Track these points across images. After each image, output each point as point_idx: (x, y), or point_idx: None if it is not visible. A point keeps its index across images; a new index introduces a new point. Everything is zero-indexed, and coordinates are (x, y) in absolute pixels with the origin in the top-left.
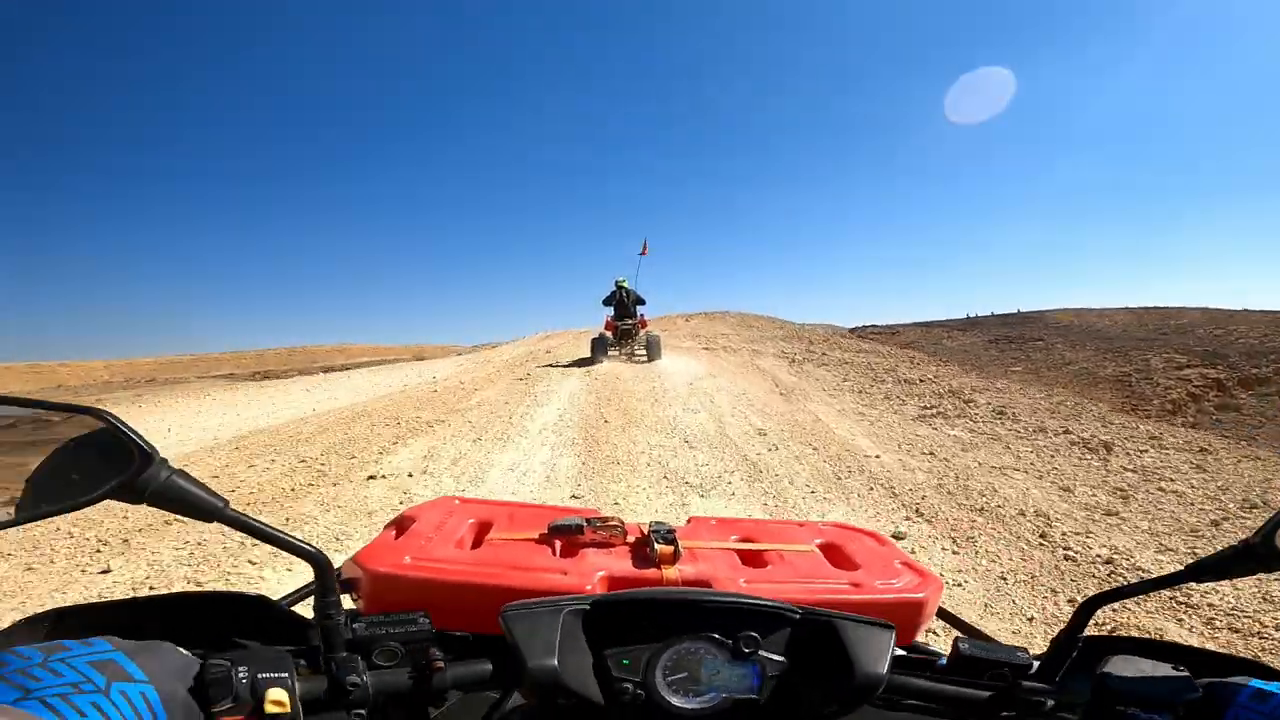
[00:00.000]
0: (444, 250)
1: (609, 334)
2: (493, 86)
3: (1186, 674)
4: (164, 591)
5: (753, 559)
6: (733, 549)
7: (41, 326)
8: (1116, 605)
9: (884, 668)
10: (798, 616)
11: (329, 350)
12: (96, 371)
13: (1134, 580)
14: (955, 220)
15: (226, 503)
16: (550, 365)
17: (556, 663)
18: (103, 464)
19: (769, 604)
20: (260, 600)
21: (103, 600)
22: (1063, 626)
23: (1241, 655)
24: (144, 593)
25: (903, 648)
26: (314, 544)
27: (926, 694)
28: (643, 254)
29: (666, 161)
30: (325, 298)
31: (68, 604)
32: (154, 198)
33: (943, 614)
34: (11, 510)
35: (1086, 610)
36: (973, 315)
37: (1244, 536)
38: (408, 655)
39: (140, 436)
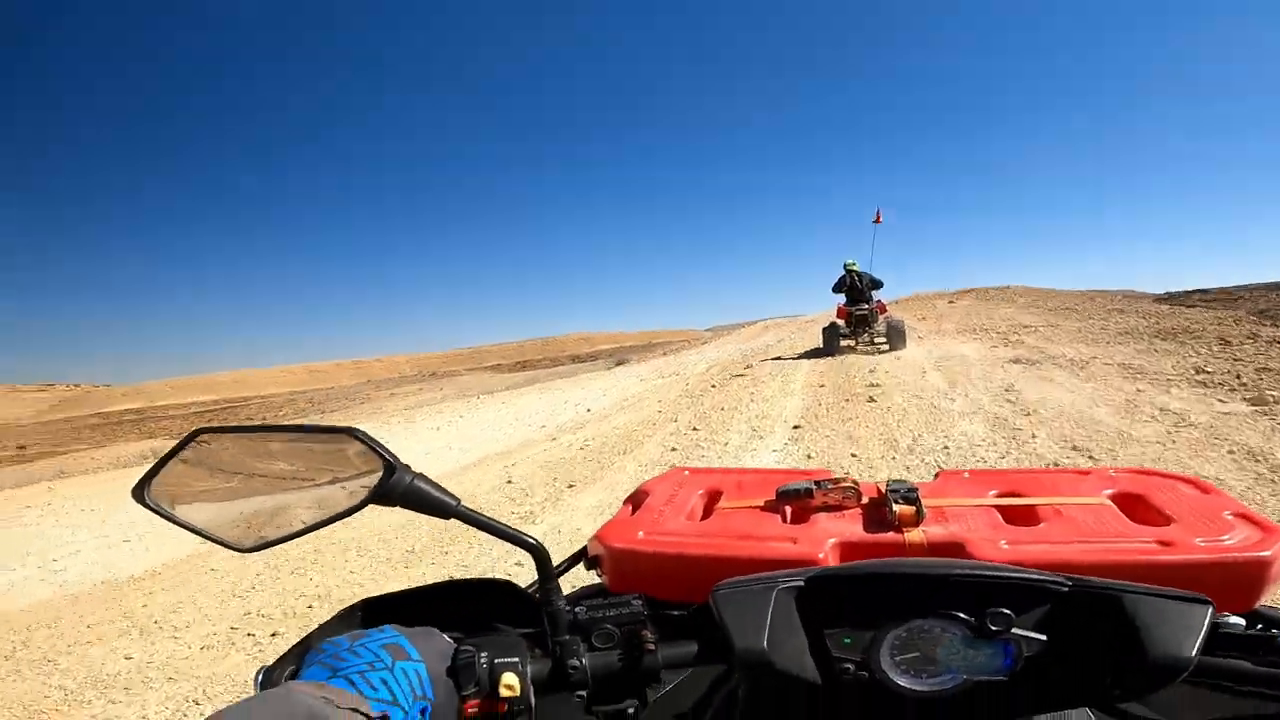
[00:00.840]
0: (679, 233)
1: (841, 321)
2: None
3: None
4: (435, 581)
5: (1020, 515)
6: (992, 505)
7: (355, 328)
8: None
9: (1192, 650)
10: (1067, 589)
11: (576, 339)
12: (401, 365)
13: None
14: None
15: (459, 500)
16: (776, 359)
17: (765, 644)
18: (361, 475)
19: (1025, 574)
20: (508, 585)
21: (391, 592)
22: None
23: None
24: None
25: (1241, 616)
26: (532, 536)
27: (1245, 677)
28: (876, 222)
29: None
30: (573, 287)
31: (369, 596)
32: (427, 207)
33: None
34: (301, 522)
35: None
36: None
37: None
38: (623, 637)
39: (386, 449)
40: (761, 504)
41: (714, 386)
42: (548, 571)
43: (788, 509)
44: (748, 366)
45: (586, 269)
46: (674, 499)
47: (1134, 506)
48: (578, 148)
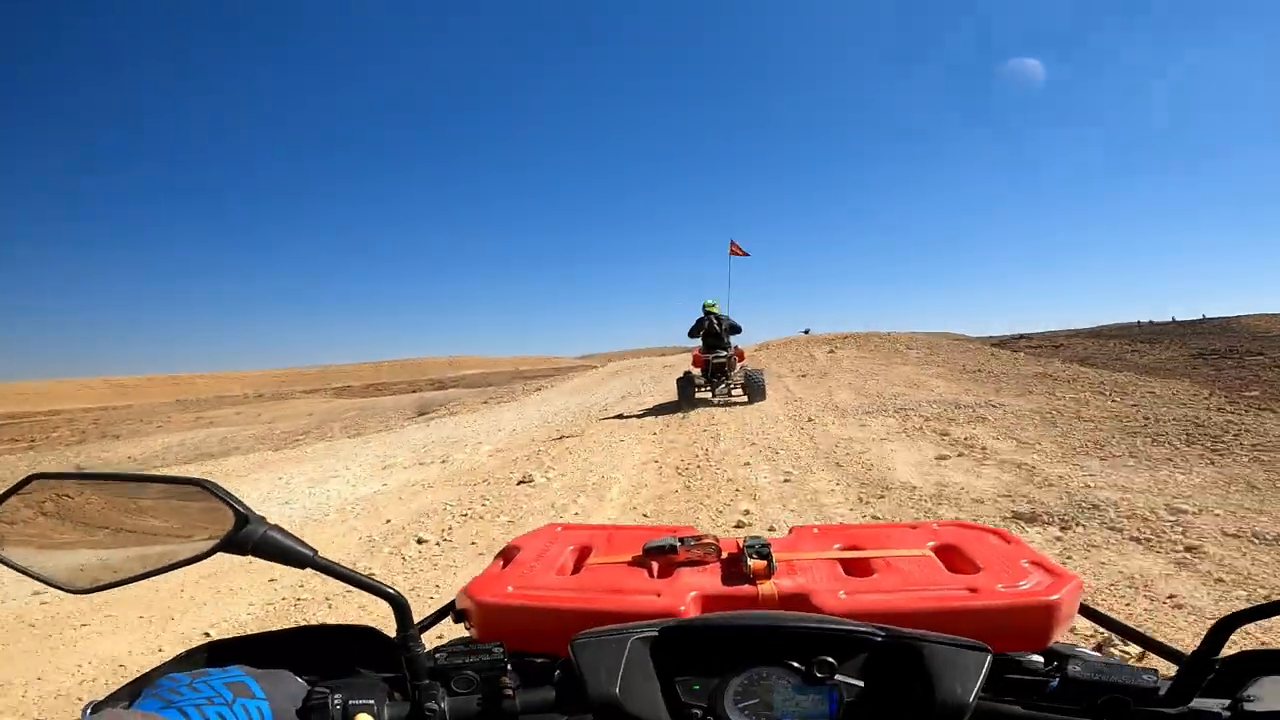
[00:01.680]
0: (566, 259)
1: (696, 370)
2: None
3: None
4: (292, 626)
5: (857, 567)
6: (835, 558)
7: (173, 339)
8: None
9: (970, 695)
10: (880, 639)
11: (441, 363)
12: (230, 383)
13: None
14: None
15: (315, 551)
16: (618, 418)
17: (618, 691)
18: (210, 524)
19: (848, 626)
20: (369, 631)
21: (242, 635)
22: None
23: None
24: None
25: (1040, 654)
26: (392, 587)
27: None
28: (733, 254)
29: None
30: (440, 308)
31: (217, 638)
32: (269, 211)
33: (1088, 613)
34: (137, 567)
35: (1222, 630)
36: (1145, 321)
37: None
38: (483, 683)
39: (237, 501)
40: (629, 559)
41: (485, 489)
42: (406, 619)
43: (654, 564)
44: (560, 438)
45: (461, 288)
46: (545, 554)
47: (951, 557)
48: (458, 156)
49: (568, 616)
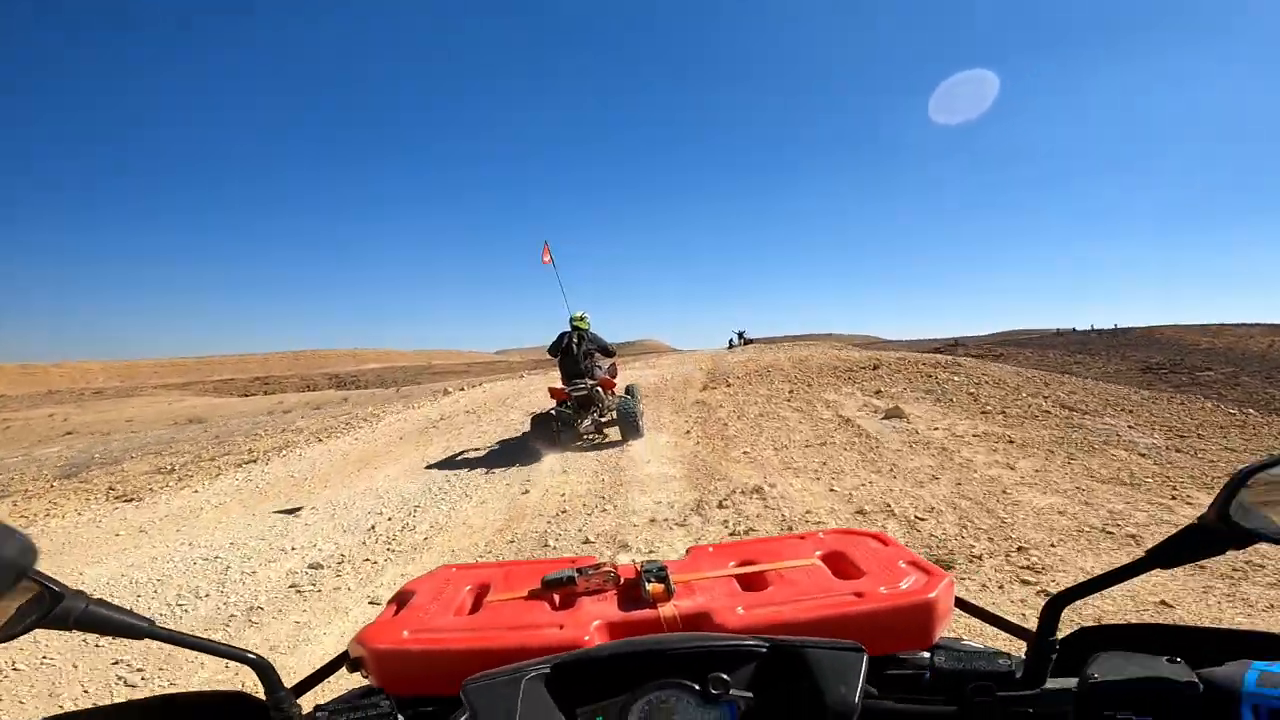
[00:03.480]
0: (477, 249)
1: (560, 405)
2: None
3: (1181, 664)
4: (156, 693)
5: (752, 582)
6: (732, 575)
7: (27, 325)
8: None
9: (855, 695)
10: (765, 650)
11: (341, 355)
12: (93, 374)
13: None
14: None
15: (152, 621)
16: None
17: None
18: (25, 604)
19: (734, 641)
20: (238, 696)
21: (96, 707)
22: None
23: (1237, 628)
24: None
25: (927, 651)
26: (252, 651)
27: (903, 716)
28: (545, 262)
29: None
30: (347, 300)
31: (64, 711)
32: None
33: (962, 605)
34: None
35: (1051, 611)
36: (1064, 329)
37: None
38: None
39: (51, 580)
40: (527, 594)
41: None
42: (273, 682)
43: (554, 596)
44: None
45: (371, 275)
46: (441, 595)
47: (837, 563)
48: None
49: (469, 657)
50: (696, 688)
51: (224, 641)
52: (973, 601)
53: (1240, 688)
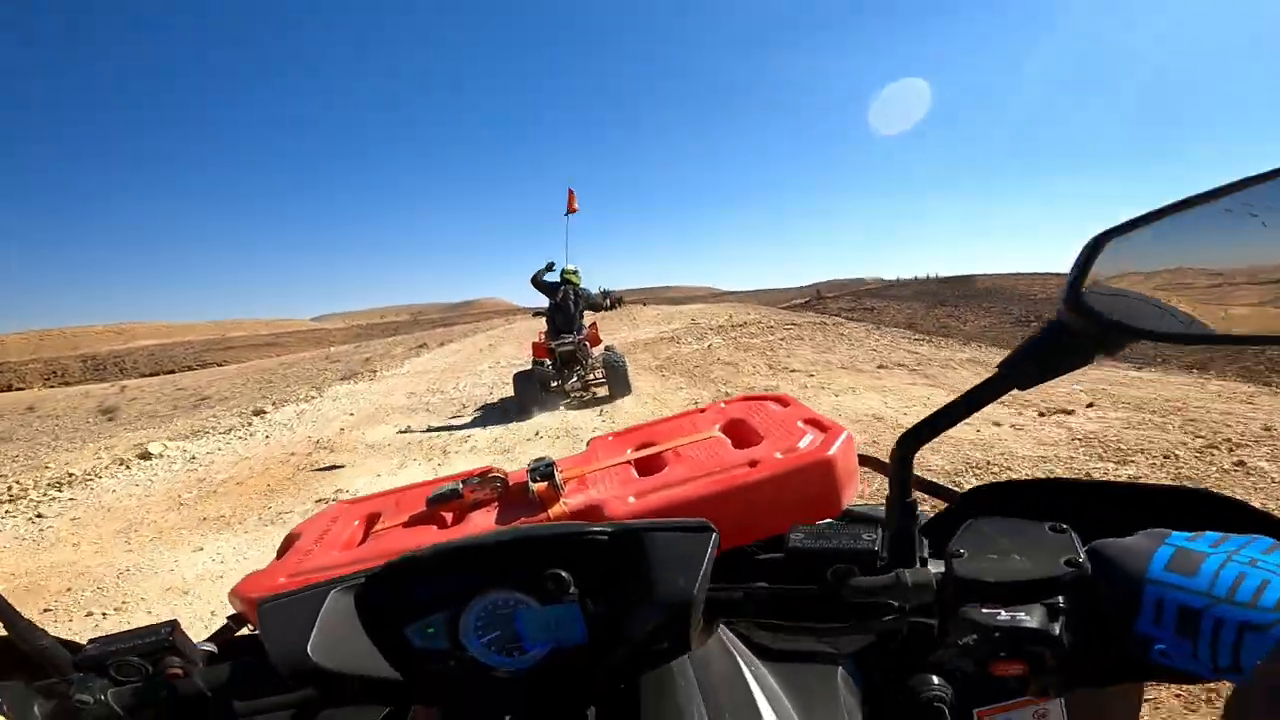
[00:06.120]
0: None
1: (544, 362)
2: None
3: (1068, 533)
4: None
5: (650, 465)
6: (629, 461)
7: None
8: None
9: (694, 585)
10: (605, 537)
11: (102, 332)
12: None
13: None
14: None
15: None
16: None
17: (310, 649)
18: None
19: (569, 529)
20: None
21: None
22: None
23: (1175, 484)
24: None
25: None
26: None
27: (758, 607)
28: (571, 211)
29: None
30: (104, 263)
31: None
32: None
33: (867, 461)
34: None
35: (900, 459)
36: (910, 278)
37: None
38: (153, 668)
39: None
40: (414, 517)
41: None
42: (7, 615)
43: (446, 515)
44: None
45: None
46: (327, 535)
47: (737, 431)
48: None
49: None
50: (533, 588)
51: None
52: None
53: (1145, 571)
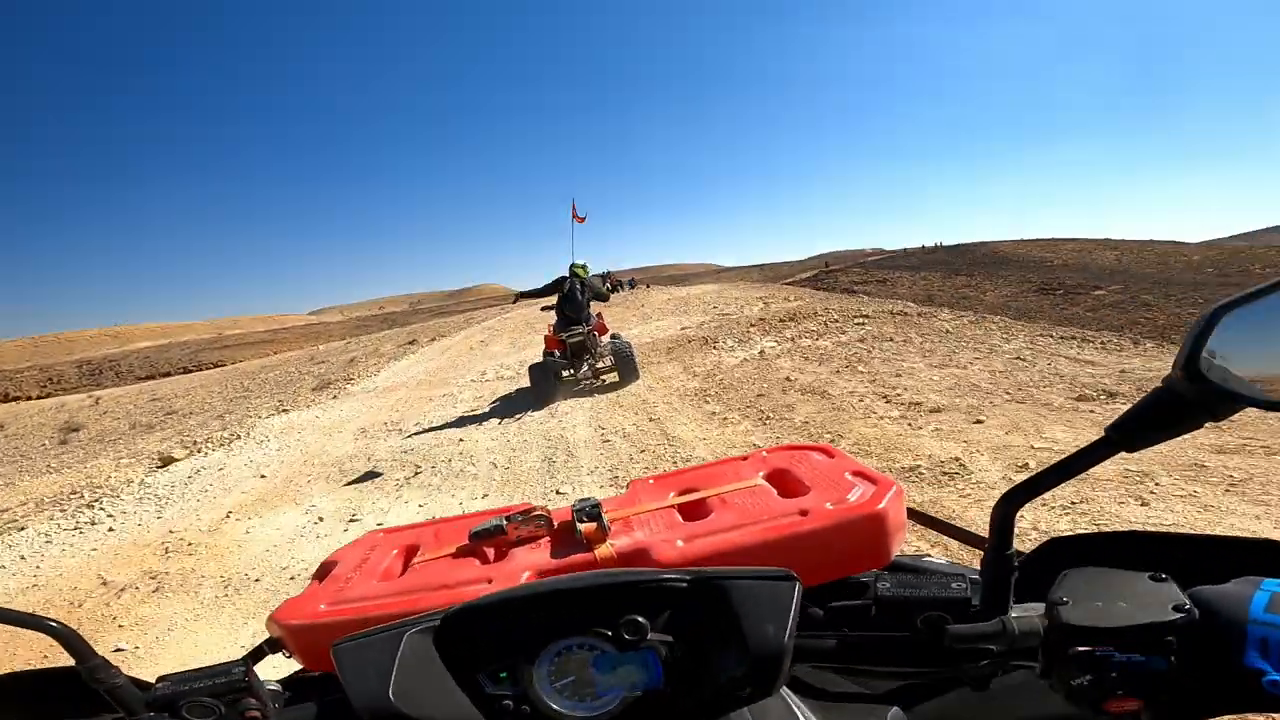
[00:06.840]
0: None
1: (556, 352)
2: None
3: (1168, 582)
4: None
5: (695, 510)
6: (673, 505)
7: None
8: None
9: (785, 634)
10: (685, 584)
11: (97, 335)
12: None
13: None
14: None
15: None
16: None
17: (391, 694)
18: None
19: (647, 576)
20: (69, 672)
21: None
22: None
23: (1239, 534)
24: None
25: (886, 571)
26: (53, 618)
27: (848, 654)
28: (577, 221)
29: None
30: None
31: None
32: None
33: (915, 515)
34: None
35: (1003, 515)
36: (916, 247)
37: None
38: (225, 709)
39: None
40: (456, 551)
41: None
42: (80, 650)
43: (486, 550)
44: None
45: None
46: (365, 563)
47: (782, 481)
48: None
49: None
50: (609, 634)
51: (25, 611)
52: (929, 513)
53: (1246, 613)
